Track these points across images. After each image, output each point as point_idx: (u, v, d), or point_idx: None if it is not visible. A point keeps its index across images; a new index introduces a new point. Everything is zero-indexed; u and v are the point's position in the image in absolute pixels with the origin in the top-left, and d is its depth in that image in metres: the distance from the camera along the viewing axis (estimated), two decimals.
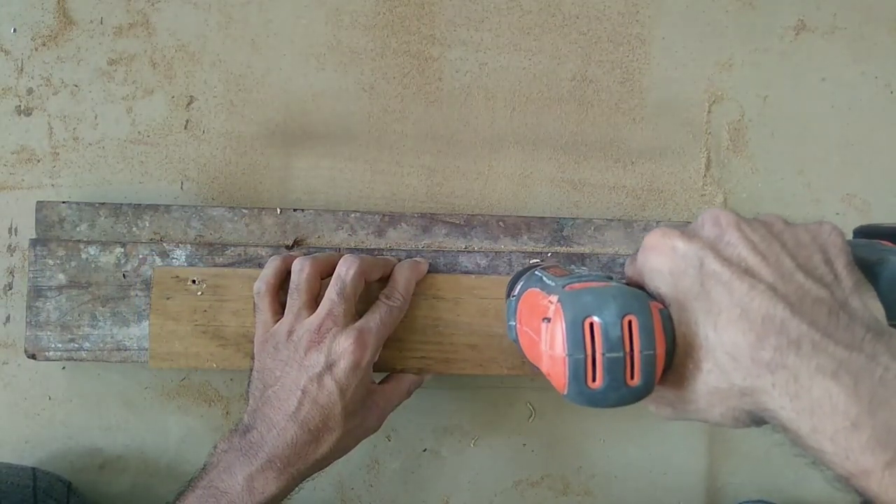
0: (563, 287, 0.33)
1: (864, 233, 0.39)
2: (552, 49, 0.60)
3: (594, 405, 0.31)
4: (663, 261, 0.34)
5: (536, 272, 0.39)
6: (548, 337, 0.32)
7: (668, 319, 0.33)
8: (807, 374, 0.28)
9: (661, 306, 0.33)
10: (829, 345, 0.29)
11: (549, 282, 0.36)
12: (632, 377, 0.31)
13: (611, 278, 0.35)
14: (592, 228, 0.55)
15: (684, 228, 0.35)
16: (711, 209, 0.34)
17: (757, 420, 0.32)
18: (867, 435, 0.27)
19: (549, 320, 0.32)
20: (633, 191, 0.60)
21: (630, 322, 0.31)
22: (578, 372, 0.31)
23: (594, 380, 0.31)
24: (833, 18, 0.61)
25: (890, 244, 0.36)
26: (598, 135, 0.60)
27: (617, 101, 0.60)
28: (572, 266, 0.39)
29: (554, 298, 0.33)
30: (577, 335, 0.31)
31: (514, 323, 0.40)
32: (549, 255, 0.55)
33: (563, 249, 0.55)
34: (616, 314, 0.31)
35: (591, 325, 0.31)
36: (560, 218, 0.55)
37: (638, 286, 0.35)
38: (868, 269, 0.33)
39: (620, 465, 0.60)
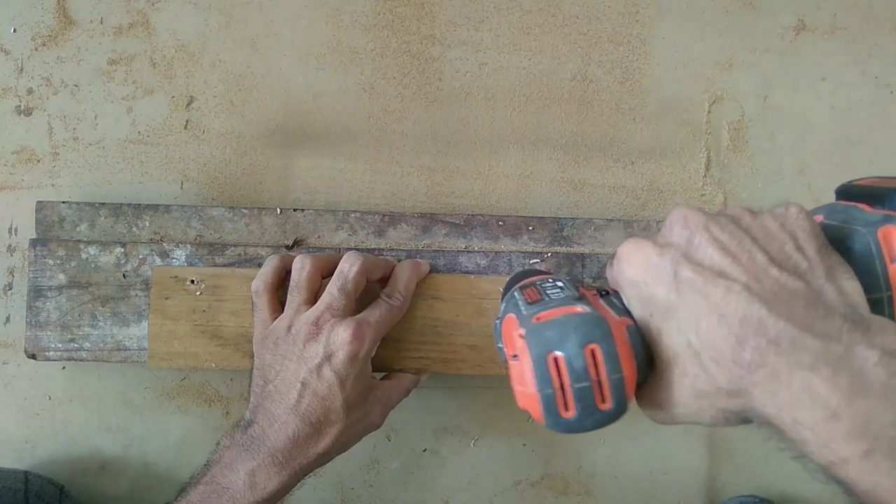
0: (531, 318, 0.34)
1: (844, 192, 0.38)
2: (552, 49, 0.60)
3: (572, 432, 0.32)
4: (638, 272, 0.34)
5: (515, 293, 0.39)
6: (517, 375, 0.33)
7: (635, 334, 0.33)
8: (787, 371, 0.28)
9: (628, 322, 0.34)
10: (808, 338, 0.29)
11: (522, 309, 0.37)
12: (603, 402, 0.31)
13: (580, 298, 0.35)
14: (592, 228, 0.55)
15: (655, 236, 0.34)
16: (678, 209, 0.34)
17: (745, 419, 0.32)
18: (846, 424, 0.27)
19: (517, 357, 0.33)
20: (633, 191, 0.60)
21: (593, 351, 0.31)
22: (550, 405, 0.32)
23: (567, 409, 0.32)
24: (833, 18, 0.61)
25: (867, 207, 0.35)
26: (599, 135, 0.60)
27: (617, 101, 0.60)
28: (548, 283, 0.39)
29: (522, 332, 0.34)
30: (544, 371, 0.32)
31: (501, 345, 0.40)
32: (548, 255, 0.55)
33: (563, 249, 0.55)
34: (578, 345, 0.31)
35: (556, 359, 0.31)
36: (560, 218, 0.55)
37: (616, 293, 0.36)
38: (840, 245, 0.33)
39: (620, 465, 0.60)
